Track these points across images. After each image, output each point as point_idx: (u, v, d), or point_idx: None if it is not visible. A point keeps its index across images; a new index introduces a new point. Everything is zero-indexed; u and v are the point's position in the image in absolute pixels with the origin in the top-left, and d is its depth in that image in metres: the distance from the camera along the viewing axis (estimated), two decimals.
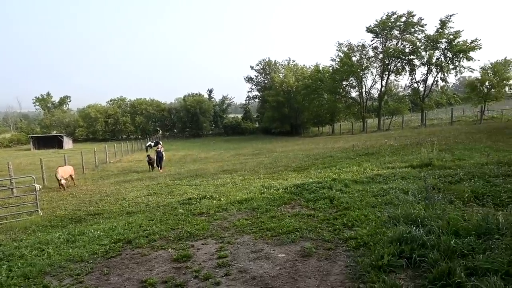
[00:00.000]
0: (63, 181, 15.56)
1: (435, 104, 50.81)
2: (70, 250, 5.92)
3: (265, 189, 10.02)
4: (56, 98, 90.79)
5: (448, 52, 46.04)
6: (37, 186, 11.69)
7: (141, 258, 5.29)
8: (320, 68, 59.75)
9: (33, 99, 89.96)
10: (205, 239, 5.96)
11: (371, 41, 51.43)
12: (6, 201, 13.03)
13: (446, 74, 47.70)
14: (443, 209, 5.19)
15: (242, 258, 4.90)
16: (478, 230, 4.24)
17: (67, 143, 59.08)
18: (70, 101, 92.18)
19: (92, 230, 7.22)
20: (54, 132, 69.29)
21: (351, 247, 4.75)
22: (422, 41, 47.72)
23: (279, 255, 4.85)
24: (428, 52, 47.30)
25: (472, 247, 3.83)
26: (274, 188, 9.99)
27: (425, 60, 48.06)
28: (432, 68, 48.24)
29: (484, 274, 3.29)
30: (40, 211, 10.69)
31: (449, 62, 46.70)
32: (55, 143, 57.17)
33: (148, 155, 22.42)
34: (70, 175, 16.79)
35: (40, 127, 77.85)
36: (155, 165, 21.43)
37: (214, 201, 9.27)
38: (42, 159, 19.16)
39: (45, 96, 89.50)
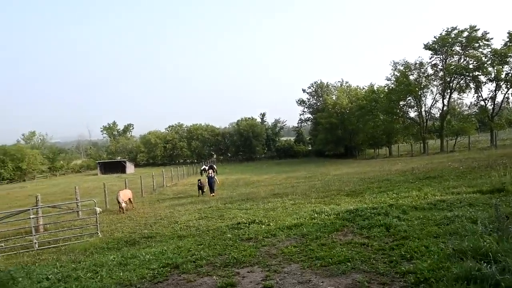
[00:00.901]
0: (123, 204, 16.41)
1: (507, 123, 46.36)
2: (121, 274, 6.06)
3: (316, 214, 9.61)
4: (121, 126, 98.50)
5: None
6: (98, 209, 12.41)
7: (186, 284, 5.23)
8: (375, 88, 58.05)
9: (101, 128, 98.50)
10: (251, 267, 5.76)
11: (430, 59, 49.01)
12: (72, 223, 13.98)
13: None
14: None
15: None
16: None
17: (130, 167, 63.06)
18: (133, 128, 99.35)
19: (144, 254, 7.37)
20: (119, 157, 74.57)
21: (409, 283, 4.25)
22: (488, 56, 44.38)
23: None
24: (495, 68, 43.76)
25: None
26: (326, 214, 9.55)
27: (492, 76, 44.46)
28: (501, 84, 44.42)
29: None
30: (100, 233, 11.29)
31: None
32: (119, 168, 61.35)
33: (199, 180, 22.55)
34: (129, 199, 17.68)
35: (106, 153, 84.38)
36: (205, 190, 21.43)
37: (263, 226, 9.07)
38: (106, 183, 20.51)
39: (111, 125, 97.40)
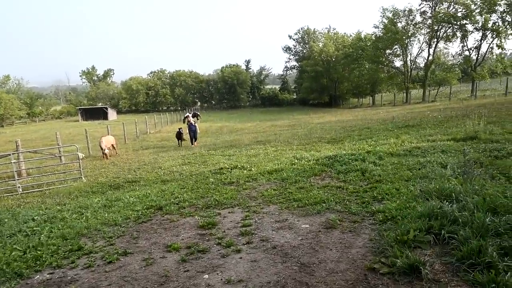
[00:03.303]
0: (106, 151, 16.37)
1: (489, 73, 46.85)
2: (106, 215, 6.26)
3: (296, 160, 9.91)
4: (100, 71, 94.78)
5: (507, 16, 41.72)
6: (80, 155, 12.39)
7: (169, 224, 5.48)
8: (362, 36, 56.79)
9: (79, 73, 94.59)
10: (232, 208, 6.04)
11: (419, 5, 47.66)
12: (55, 168, 13.99)
13: (503, 40, 43.45)
14: (482, 185, 4.82)
15: (265, 227, 4.92)
16: None
17: (112, 114, 61.94)
18: (113, 74, 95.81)
19: (128, 197, 7.57)
20: (100, 104, 72.80)
21: (377, 221, 4.59)
22: (478, 3, 43.47)
23: (303, 226, 4.80)
24: (484, 16, 43.14)
25: (510, 225, 3.53)
26: (306, 159, 9.85)
27: (479, 25, 43.95)
28: (487, 33, 44.12)
29: None
30: (83, 178, 11.39)
31: (507, 26, 42.41)
32: (101, 114, 60.20)
33: (180, 128, 20.81)
34: (112, 145, 17.60)
35: (87, 99, 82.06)
36: (184, 138, 20.08)
37: (245, 171, 9.34)
38: (88, 129, 20.22)
39: (90, 70, 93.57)
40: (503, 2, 41.28)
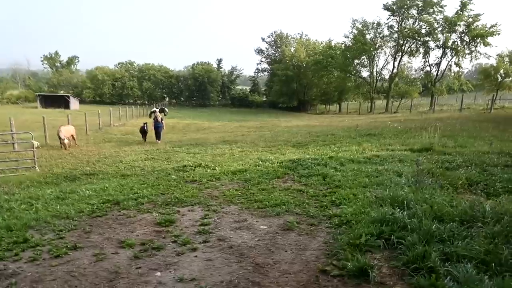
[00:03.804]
0: (66, 141, 15.64)
1: (447, 89, 49.67)
2: (58, 207, 5.97)
3: (261, 162, 9.99)
4: (64, 58, 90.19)
5: (465, 36, 44.48)
6: (35, 143, 11.78)
7: (125, 220, 5.32)
8: (332, 44, 58.32)
9: (41, 57, 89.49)
10: (192, 206, 5.98)
11: (387, 19, 49.59)
12: (7, 156, 13.16)
13: (461, 59, 46.33)
14: (431, 194, 5.11)
15: (224, 227, 4.91)
16: (463, 217, 4.17)
17: (74, 103, 59.20)
18: (78, 61, 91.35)
19: (84, 189, 7.26)
20: (62, 92, 69.36)
21: (333, 224, 4.72)
22: (440, 22, 46.02)
23: (261, 227, 4.84)
24: (444, 35, 45.75)
25: (453, 233, 3.77)
26: (270, 162, 9.96)
27: (440, 43, 46.56)
28: (447, 51, 46.80)
29: (459, 261, 3.24)
30: (37, 168, 10.81)
31: (465, 46, 45.21)
32: (62, 103, 57.29)
33: (145, 123, 19.34)
34: (72, 135, 16.84)
35: (48, 86, 77.81)
36: (148, 136, 18.88)
37: (209, 170, 9.28)
38: (47, 118, 19.19)
39: (53, 55, 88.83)
40: (462, 23, 43.96)
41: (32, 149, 11.27)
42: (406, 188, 5.64)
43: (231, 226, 4.91)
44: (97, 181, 8.84)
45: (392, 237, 3.80)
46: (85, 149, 15.80)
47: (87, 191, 7.10)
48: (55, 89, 73.28)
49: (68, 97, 59.61)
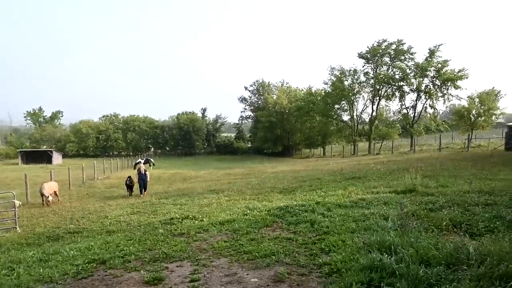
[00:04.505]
0: (50, 198, 15.31)
1: (424, 130, 51.62)
2: (41, 270, 5.76)
3: (248, 211, 9.96)
4: (48, 113, 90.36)
5: (437, 80, 47.32)
6: (17, 203, 11.48)
7: (112, 280, 5.17)
8: (313, 90, 60.86)
9: (24, 113, 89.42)
10: (181, 261, 5.86)
11: (363, 67, 52.68)
12: None
13: (434, 101, 48.94)
14: (417, 237, 5.21)
15: (214, 282, 4.83)
16: (448, 260, 4.25)
17: (57, 158, 58.39)
18: (62, 116, 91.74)
19: (68, 249, 7.05)
20: (44, 147, 68.59)
21: (324, 274, 4.71)
22: (412, 68, 49.01)
23: (252, 280, 4.78)
24: (417, 80, 48.52)
25: (440, 277, 3.83)
26: (258, 210, 9.94)
27: (414, 87, 49.27)
28: (421, 95, 49.37)
29: None
30: (18, 228, 10.46)
31: (437, 89, 47.89)
32: (44, 158, 56.46)
33: (129, 177, 18.98)
34: (55, 191, 16.52)
35: (30, 141, 77.01)
36: (134, 189, 18.58)
37: (196, 221, 9.18)
38: (29, 174, 18.87)
39: (36, 111, 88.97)
40: (432, 68, 46.89)
41: (14, 209, 10.97)
42: (392, 232, 5.73)
43: (222, 281, 4.83)
44: (81, 239, 8.60)
45: (382, 284, 3.83)
46: (68, 205, 15.45)
47: (71, 251, 6.89)
48: (37, 144, 72.50)
49: (51, 151, 58.91)
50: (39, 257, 6.72)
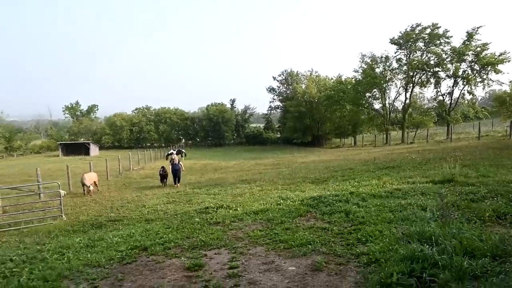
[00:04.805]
0: (91, 188, 16.11)
1: (462, 117, 49.29)
2: (89, 255, 6.12)
3: (281, 200, 10.03)
4: (84, 107, 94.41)
5: (475, 65, 44.84)
6: (62, 192, 12.17)
7: (155, 266, 5.42)
8: (343, 79, 59.55)
9: (62, 108, 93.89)
10: (219, 249, 6.04)
11: (395, 53, 50.73)
12: (34, 206, 13.59)
13: (473, 87, 46.41)
14: (459, 228, 5.06)
15: (252, 269, 4.95)
16: (494, 252, 4.12)
17: (94, 150, 61.04)
18: (97, 109, 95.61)
19: (111, 236, 7.44)
20: (82, 139, 71.86)
21: (362, 263, 4.70)
22: (448, 53, 46.69)
23: (290, 268, 4.86)
24: (454, 65, 46.20)
25: (486, 269, 3.73)
26: (291, 200, 9.99)
27: (451, 73, 46.95)
28: (458, 80, 47.03)
29: None
30: (64, 216, 11.11)
31: (476, 75, 45.41)
32: (82, 150, 59.22)
33: (163, 167, 19.43)
34: (94, 182, 17.33)
35: (68, 134, 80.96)
36: (166, 179, 18.89)
37: (231, 210, 9.36)
38: (69, 165, 19.88)
39: (74, 105, 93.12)
40: (470, 52, 44.44)
41: (59, 198, 11.64)
42: (432, 223, 5.61)
43: (260, 269, 4.94)
44: (122, 227, 9.02)
45: (424, 275, 3.78)
46: (107, 195, 16.17)
47: (115, 238, 7.26)
48: (75, 136, 76.04)
49: (88, 144, 61.59)
50: (85, 243, 7.13)
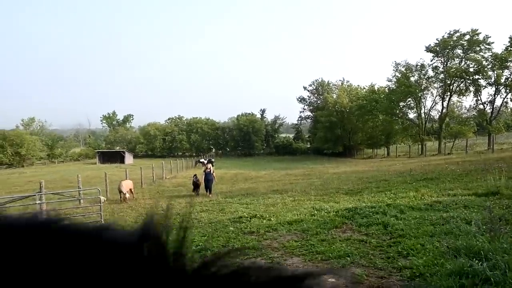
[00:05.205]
0: (127, 195, 16.65)
1: (505, 127, 46.74)
2: None
3: (315, 211, 9.90)
4: (120, 116, 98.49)
5: None
6: (102, 198, 12.65)
7: None
8: (375, 88, 58.31)
9: (100, 117, 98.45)
10: (255, 259, 6.03)
11: (431, 61, 49.15)
12: (75, 211, 14.20)
13: None
14: (510, 243, 4.78)
15: None
16: None
17: (128, 158, 63.24)
18: (133, 119, 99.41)
19: None
20: (117, 147, 74.67)
21: (405, 277, 4.54)
22: (489, 60, 44.63)
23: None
24: (495, 72, 44.06)
25: None
26: (325, 211, 9.84)
27: (492, 80, 44.78)
28: (500, 88, 44.76)
29: None
30: (103, 222, 11.54)
31: None
32: (118, 158, 61.51)
33: (195, 175, 19.15)
34: (130, 189, 17.89)
35: (105, 143, 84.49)
36: (199, 188, 18.65)
37: (264, 220, 9.35)
38: (106, 172, 20.69)
39: (111, 115, 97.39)
40: None
41: (100, 204, 12.11)
42: (480, 237, 5.33)
43: None
44: None
45: None
46: (142, 202, 16.63)
47: None
48: (111, 145, 79.19)
49: (124, 152, 63.93)
50: None
